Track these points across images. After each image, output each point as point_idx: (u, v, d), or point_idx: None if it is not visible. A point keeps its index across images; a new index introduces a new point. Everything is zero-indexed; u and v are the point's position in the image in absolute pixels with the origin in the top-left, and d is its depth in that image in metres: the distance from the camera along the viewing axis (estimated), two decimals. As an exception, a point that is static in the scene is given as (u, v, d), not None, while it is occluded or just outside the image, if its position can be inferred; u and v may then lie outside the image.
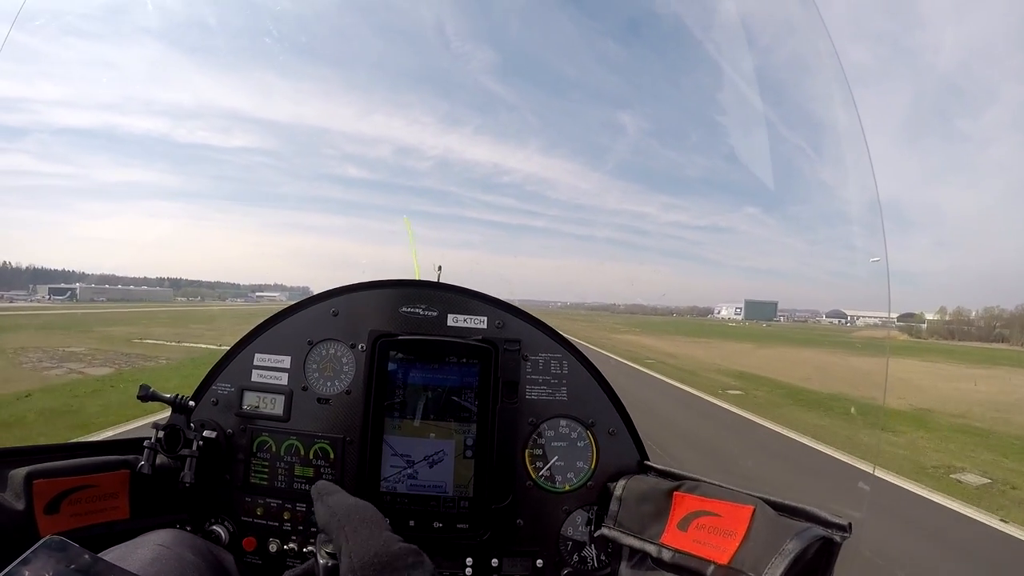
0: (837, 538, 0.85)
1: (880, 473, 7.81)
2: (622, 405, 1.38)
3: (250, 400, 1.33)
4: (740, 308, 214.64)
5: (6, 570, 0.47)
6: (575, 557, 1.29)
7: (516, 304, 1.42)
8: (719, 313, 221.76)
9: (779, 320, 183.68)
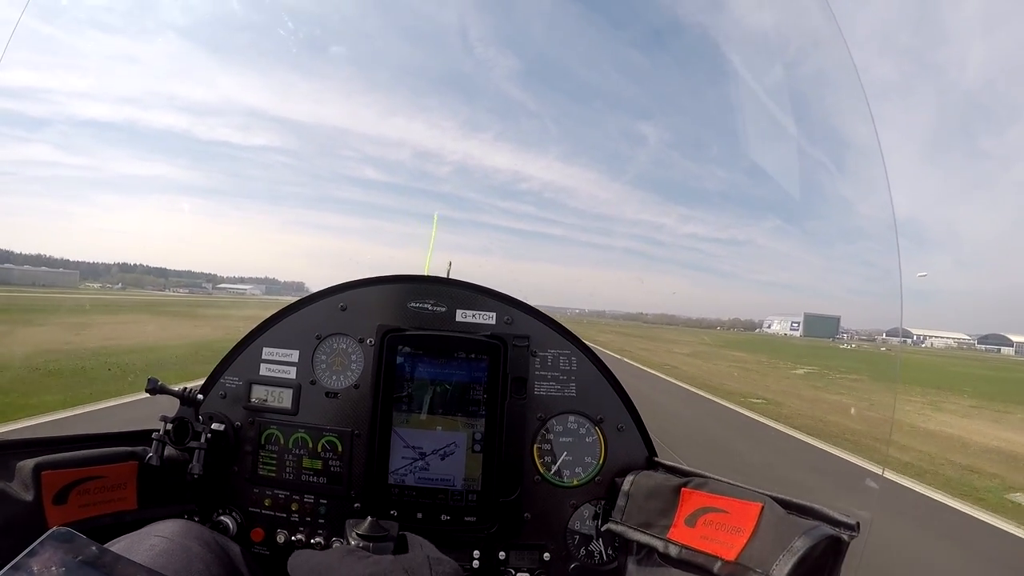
0: (845, 537, 0.88)
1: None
2: (631, 402, 1.42)
3: (258, 393, 1.38)
4: (797, 323, 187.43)
5: (13, 562, 0.47)
6: (582, 551, 1.34)
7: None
8: (769, 327, 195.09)
9: (842, 338, 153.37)
